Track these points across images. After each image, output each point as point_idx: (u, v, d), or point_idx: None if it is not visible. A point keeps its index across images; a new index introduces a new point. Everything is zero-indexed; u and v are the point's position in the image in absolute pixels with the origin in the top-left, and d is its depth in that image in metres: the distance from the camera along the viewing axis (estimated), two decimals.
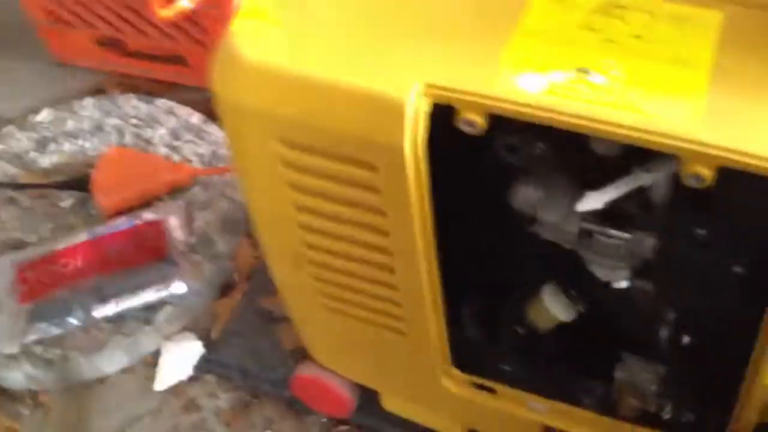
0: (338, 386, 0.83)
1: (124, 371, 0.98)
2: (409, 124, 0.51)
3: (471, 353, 0.69)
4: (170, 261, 1.00)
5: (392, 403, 0.84)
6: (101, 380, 0.97)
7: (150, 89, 1.25)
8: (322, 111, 0.53)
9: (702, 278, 0.55)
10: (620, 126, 0.47)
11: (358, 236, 0.60)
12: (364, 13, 0.55)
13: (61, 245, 1.02)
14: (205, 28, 1.14)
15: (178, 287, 0.99)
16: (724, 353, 0.56)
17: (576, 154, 0.54)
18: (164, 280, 0.99)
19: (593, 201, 0.52)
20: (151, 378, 0.97)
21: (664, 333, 0.59)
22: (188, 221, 1.06)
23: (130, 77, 1.27)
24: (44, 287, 0.99)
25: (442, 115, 0.52)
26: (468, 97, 0.50)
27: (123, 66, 1.27)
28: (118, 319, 0.98)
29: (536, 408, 0.70)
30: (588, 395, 0.68)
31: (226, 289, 1.03)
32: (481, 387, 0.71)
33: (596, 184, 0.53)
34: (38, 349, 0.96)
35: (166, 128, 1.18)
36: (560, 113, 0.48)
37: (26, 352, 0.96)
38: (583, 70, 0.49)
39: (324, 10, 0.56)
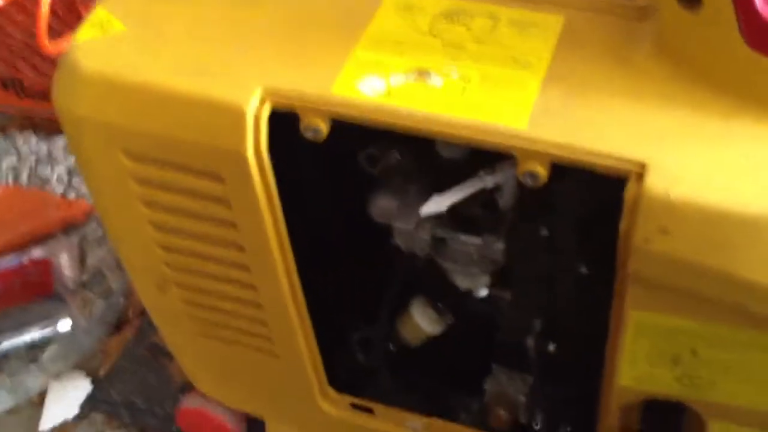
0: (222, 417, 0.81)
1: (9, 412, 0.94)
2: (251, 130, 0.50)
3: (346, 373, 0.68)
4: (57, 298, 0.98)
5: (279, 431, 0.82)
6: None
7: (50, 128, 1.22)
8: (163, 120, 0.52)
9: (554, 282, 0.55)
10: (455, 126, 0.47)
11: (216, 253, 0.59)
12: (210, 21, 0.55)
13: None
14: None
15: (64, 325, 0.96)
16: (584, 358, 0.56)
17: (426, 160, 0.54)
18: (50, 317, 0.96)
19: (437, 204, 0.52)
20: (37, 418, 0.93)
21: (528, 341, 0.59)
22: (80, 258, 1.03)
23: (31, 117, 1.25)
24: None
25: (290, 124, 0.51)
26: (307, 102, 0.50)
27: (23, 106, 1.24)
28: (2, 359, 0.94)
29: (414, 427, 0.68)
30: (463, 410, 0.67)
31: (118, 325, 1.01)
32: (360, 407, 0.69)
33: (445, 189, 0.53)
34: None
35: (64, 166, 1.16)
36: (397, 116, 0.48)
37: None
38: (424, 73, 0.50)
39: (170, 19, 0.55)
